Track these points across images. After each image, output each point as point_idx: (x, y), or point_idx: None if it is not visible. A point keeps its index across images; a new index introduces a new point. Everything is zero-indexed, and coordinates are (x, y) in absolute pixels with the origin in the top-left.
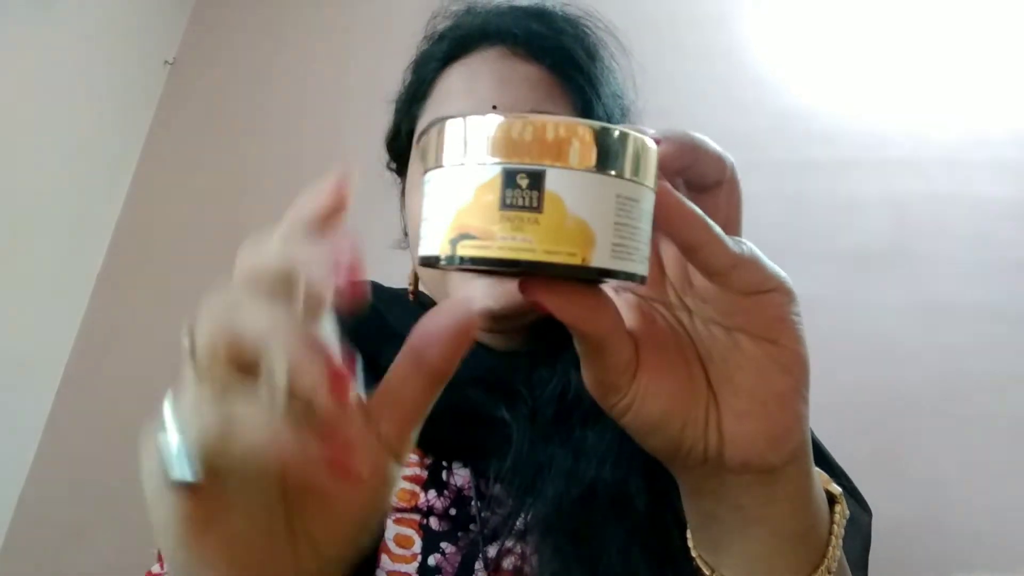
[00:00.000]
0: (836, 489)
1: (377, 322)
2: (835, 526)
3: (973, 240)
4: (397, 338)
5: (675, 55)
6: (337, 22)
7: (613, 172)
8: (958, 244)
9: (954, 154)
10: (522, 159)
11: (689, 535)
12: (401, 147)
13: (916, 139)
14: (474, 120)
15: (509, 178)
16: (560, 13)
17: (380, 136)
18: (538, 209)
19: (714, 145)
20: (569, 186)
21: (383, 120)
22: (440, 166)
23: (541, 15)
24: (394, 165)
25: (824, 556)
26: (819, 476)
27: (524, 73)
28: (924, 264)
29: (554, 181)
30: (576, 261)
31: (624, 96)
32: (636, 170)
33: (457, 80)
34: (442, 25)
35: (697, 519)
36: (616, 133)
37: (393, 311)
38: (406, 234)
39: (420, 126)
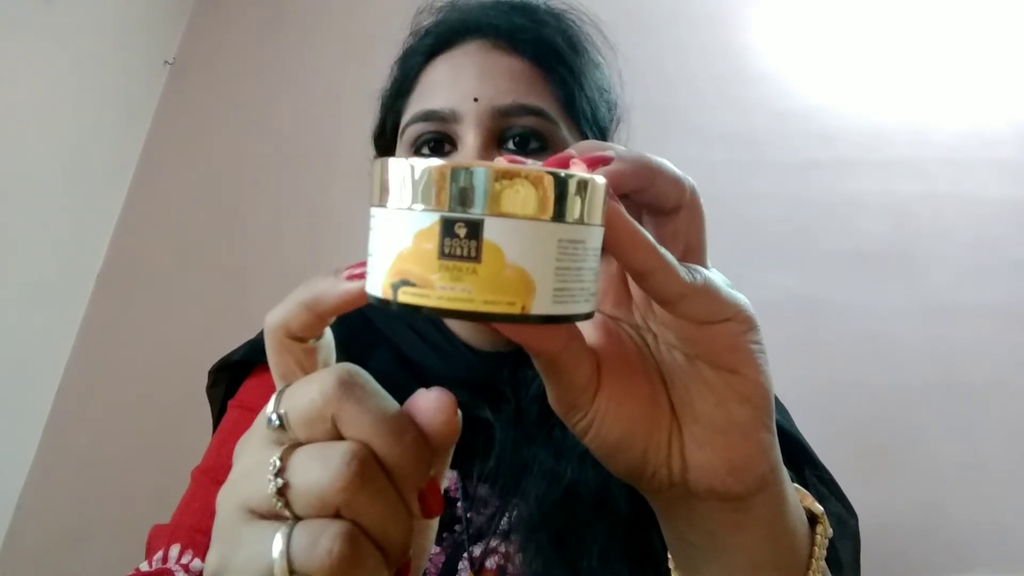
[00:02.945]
0: (818, 508)
1: (366, 329)
2: (816, 548)
3: (973, 240)
4: (386, 344)
5: (675, 55)
6: (336, 22)
7: (555, 218)
8: (958, 244)
9: (954, 154)
10: (460, 207)
11: (669, 556)
12: (387, 142)
13: (916, 139)
14: (416, 163)
15: (447, 227)
16: (544, 7)
17: None
18: (476, 259)
19: (673, 168)
20: (508, 235)
21: None
22: (383, 205)
23: (524, 8)
24: None
25: None
26: (799, 496)
27: (506, 65)
28: (924, 264)
29: (493, 230)
30: (515, 311)
31: (610, 91)
32: (580, 211)
33: (439, 73)
34: (427, 20)
35: (672, 542)
36: (557, 178)
37: (380, 316)
38: None
39: (404, 120)
